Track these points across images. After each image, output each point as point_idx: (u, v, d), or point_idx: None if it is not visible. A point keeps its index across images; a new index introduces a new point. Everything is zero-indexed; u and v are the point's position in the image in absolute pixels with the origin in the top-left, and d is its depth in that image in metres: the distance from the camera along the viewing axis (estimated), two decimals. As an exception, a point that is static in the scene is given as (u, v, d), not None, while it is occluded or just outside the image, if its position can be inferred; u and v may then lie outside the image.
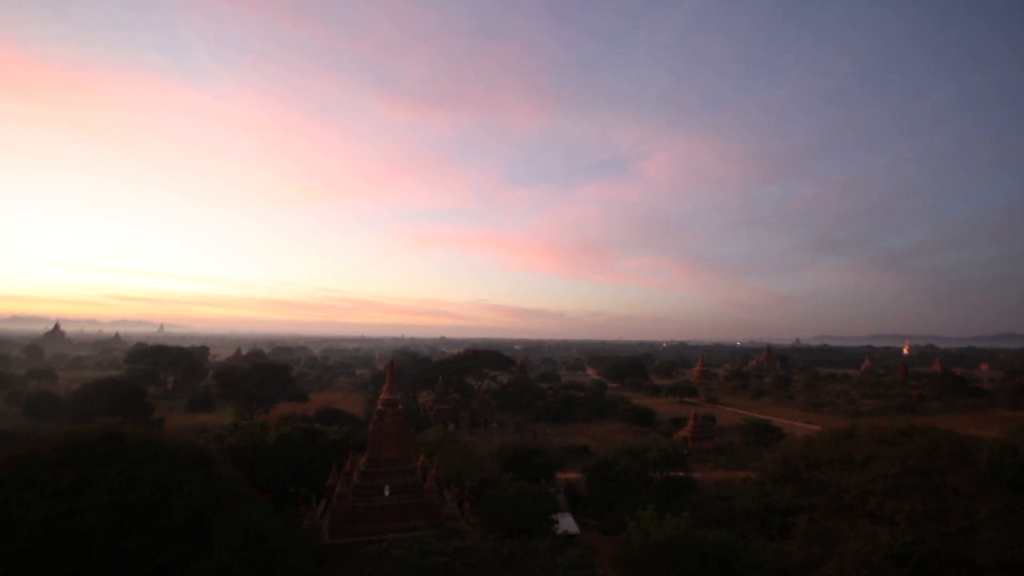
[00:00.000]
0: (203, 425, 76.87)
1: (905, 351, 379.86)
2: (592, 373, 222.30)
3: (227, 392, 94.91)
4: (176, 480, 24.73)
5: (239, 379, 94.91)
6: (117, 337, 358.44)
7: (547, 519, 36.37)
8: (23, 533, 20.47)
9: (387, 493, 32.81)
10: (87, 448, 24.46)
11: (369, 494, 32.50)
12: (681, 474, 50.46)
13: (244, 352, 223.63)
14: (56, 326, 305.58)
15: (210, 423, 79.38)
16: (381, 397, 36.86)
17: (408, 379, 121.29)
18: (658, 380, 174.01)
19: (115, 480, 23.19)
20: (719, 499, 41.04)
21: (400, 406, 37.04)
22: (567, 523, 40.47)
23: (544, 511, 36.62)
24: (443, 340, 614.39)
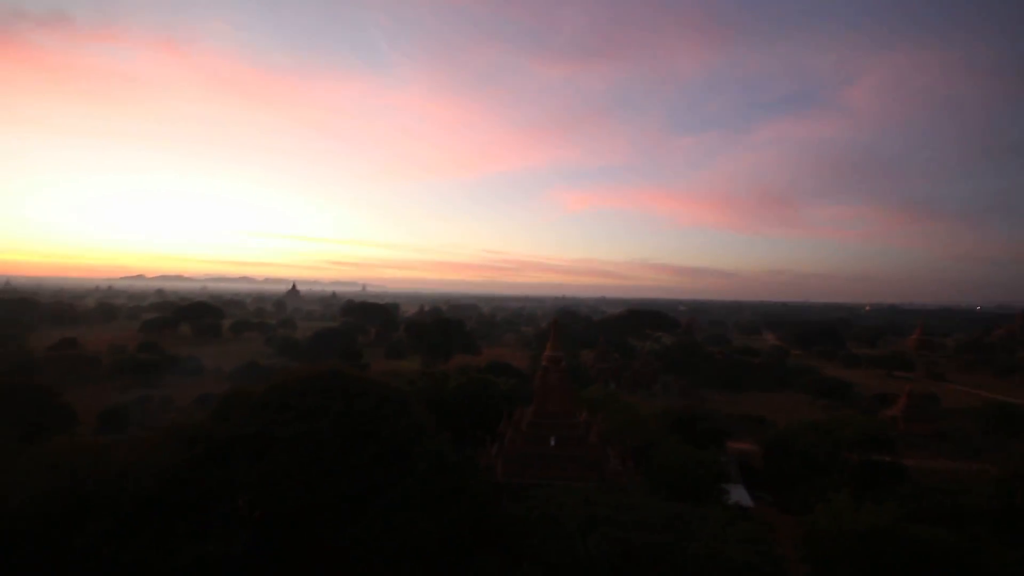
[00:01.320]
0: (398, 370, 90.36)
1: None
2: (770, 338, 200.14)
3: (415, 343, 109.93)
4: (383, 414, 29.67)
5: (424, 332, 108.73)
6: (334, 296, 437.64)
7: (717, 487, 34.70)
8: (279, 445, 26.86)
9: (553, 443, 34.73)
10: (320, 382, 30.67)
11: (536, 443, 34.81)
12: (887, 459, 43.18)
13: (426, 309, 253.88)
14: (293, 286, 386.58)
15: (403, 369, 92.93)
16: (546, 354, 38.57)
17: (570, 338, 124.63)
18: (858, 349, 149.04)
19: (340, 409, 28.77)
20: (940, 492, 34.18)
21: (564, 363, 38.34)
22: (739, 494, 38.09)
23: (714, 478, 34.95)
24: (603, 300, 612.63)
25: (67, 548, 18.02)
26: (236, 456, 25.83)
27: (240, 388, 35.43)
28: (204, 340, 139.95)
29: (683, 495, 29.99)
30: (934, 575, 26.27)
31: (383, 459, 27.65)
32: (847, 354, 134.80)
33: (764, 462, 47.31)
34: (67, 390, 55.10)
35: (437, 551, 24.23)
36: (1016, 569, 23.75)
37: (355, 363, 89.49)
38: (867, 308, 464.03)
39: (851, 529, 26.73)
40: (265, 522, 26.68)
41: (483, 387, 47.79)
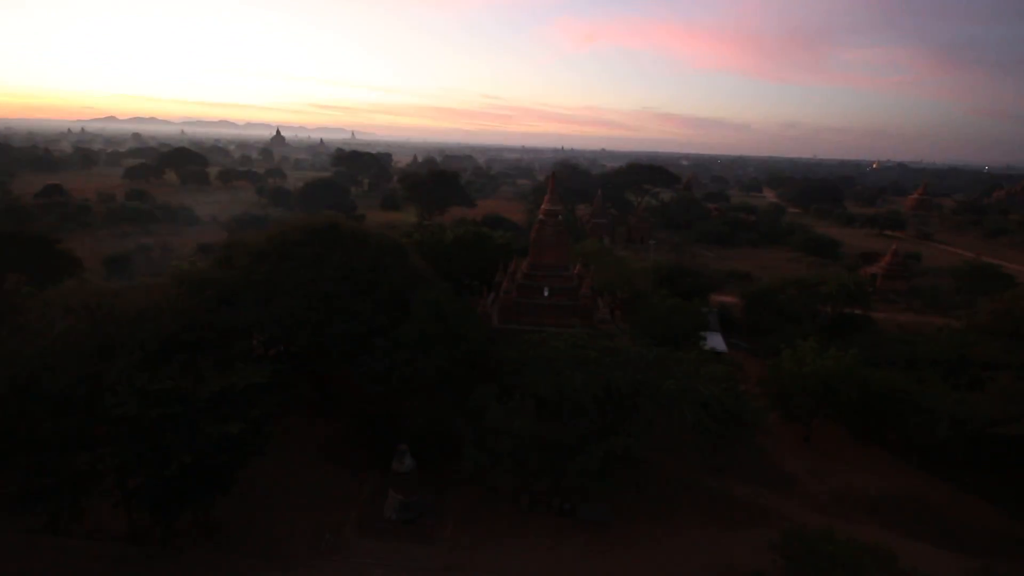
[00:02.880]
0: (393, 222, 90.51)
1: None
2: (770, 195, 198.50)
3: (410, 195, 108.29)
4: (382, 264, 30.50)
5: (419, 184, 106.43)
6: (321, 143, 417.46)
7: (696, 335, 37.54)
8: (286, 291, 28.03)
9: (546, 294, 36.48)
10: (318, 234, 30.89)
11: (530, 292, 36.52)
12: (857, 312, 46.11)
13: (420, 160, 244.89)
14: (277, 132, 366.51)
15: (398, 221, 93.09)
16: (543, 207, 38.32)
17: (567, 191, 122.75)
18: (856, 208, 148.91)
19: (340, 259, 29.47)
20: (900, 342, 37.29)
21: (560, 217, 38.34)
22: (715, 341, 41.39)
23: (694, 327, 37.64)
24: (604, 152, 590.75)
25: (100, 379, 19.85)
26: (245, 301, 27.10)
27: (239, 238, 35.72)
28: (192, 188, 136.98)
29: (665, 342, 32.61)
30: (880, 409, 29.94)
31: (384, 306, 29.17)
32: (842, 212, 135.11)
33: (744, 314, 50.48)
34: (65, 237, 55.43)
35: (437, 384, 26.98)
36: (955, 408, 26.97)
37: (350, 215, 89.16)
38: (874, 165, 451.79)
39: (810, 371, 29.69)
40: (279, 358, 29.13)
41: (479, 239, 48.48)
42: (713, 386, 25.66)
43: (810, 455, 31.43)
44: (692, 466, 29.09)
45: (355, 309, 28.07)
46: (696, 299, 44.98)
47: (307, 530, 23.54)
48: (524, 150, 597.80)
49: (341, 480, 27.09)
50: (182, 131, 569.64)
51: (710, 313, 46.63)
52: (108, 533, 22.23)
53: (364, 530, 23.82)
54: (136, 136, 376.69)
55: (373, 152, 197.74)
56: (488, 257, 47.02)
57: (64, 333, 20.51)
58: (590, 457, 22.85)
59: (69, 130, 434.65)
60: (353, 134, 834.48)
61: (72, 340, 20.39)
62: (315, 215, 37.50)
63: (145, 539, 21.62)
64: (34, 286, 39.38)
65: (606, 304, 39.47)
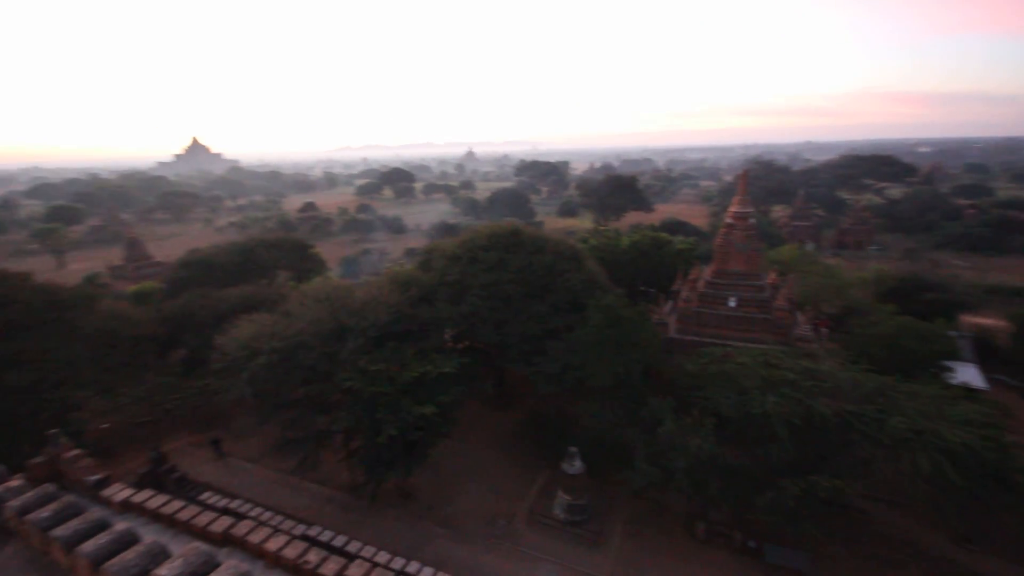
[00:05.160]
0: (570, 228, 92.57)
1: None
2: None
3: (586, 201, 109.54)
4: (559, 269, 31.39)
5: (594, 190, 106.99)
6: (506, 156, 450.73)
7: (938, 364, 29.92)
8: (472, 292, 30.78)
9: (732, 304, 33.10)
10: (501, 239, 33.26)
11: (713, 302, 33.55)
12: None
13: (597, 166, 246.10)
14: (469, 150, 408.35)
15: (574, 227, 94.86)
16: (731, 210, 34.96)
17: (760, 191, 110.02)
18: None
19: (520, 263, 31.23)
20: None
21: (751, 220, 34.49)
22: (969, 374, 32.43)
23: (935, 354, 30.05)
24: (808, 145, 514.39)
25: (335, 356, 24.50)
26: (441, 299, 30.59)
27: (436, 244, 40.55)
28: (403, 202, 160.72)
29: (890, 370, 26.61)
30: None
31: (559, 309, 29.94)
32: None
33: (1012, 340, 38.63)
34: (316, 243, 70.09)
35: (609, 390, 26.57)
36: None
37: (529, 221, 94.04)
38: None
39: None
40: (465, 352, 32.09)
41: (656, 245, 46.42)
42: (963, 431, 20.04)
43: None
44: (928, 529, 23.27)
45: (532, 310, 29.43)
46: (940, 320, 35.81)
47: (483, 513, 25.44)
48: (709, 149, 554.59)
49: (513, 472, 28.61)
50: (397, 154, 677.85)
51: (961, 338, 36.76)
52: (334, 482, 27.31)
53: (533, 524, 24.74)
54: (365, 160, 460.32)
55: (551, 161, 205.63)
56: (665, 263, 44.75)
57: (313, 318, 25.83)
58: (784, 493, 19.92)
59: (318, 160, 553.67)
60: (535, 146, 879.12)
61: (318, 324, 25.55)
62: (498, 222, 40.48)
63: (360, 493, 25.93)
64: (295, 280, 50.57)
65: (807, 319, 34.13)
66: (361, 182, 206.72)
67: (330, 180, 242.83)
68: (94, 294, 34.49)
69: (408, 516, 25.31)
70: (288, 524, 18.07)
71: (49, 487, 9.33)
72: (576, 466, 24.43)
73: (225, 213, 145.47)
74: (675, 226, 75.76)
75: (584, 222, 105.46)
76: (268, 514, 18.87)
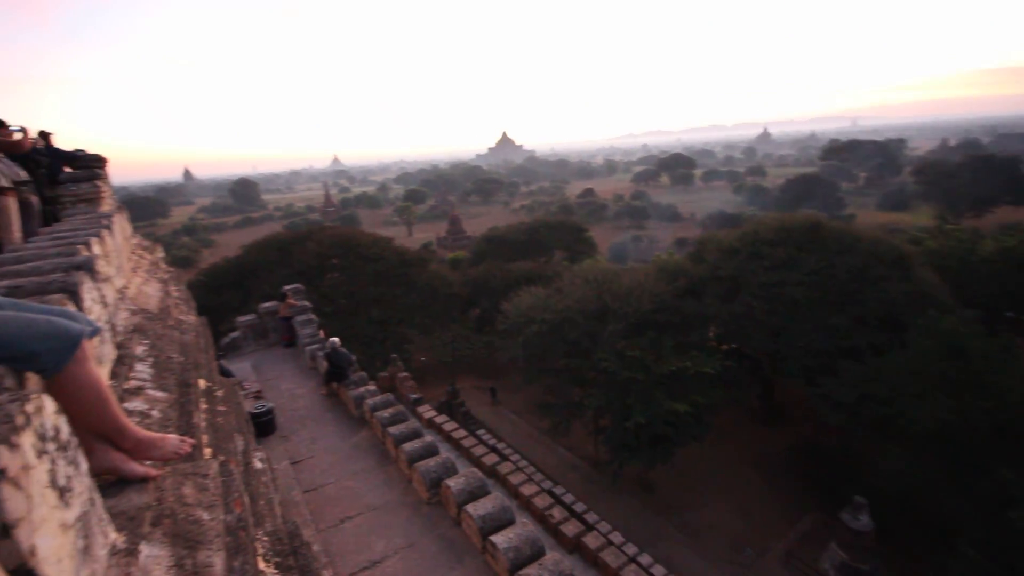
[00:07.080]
0: (895, 224, 72.59)
1: None
2: None
3: (927, 190, 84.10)
4: (872, 275, 25.20)
5: (943, 175, 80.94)
6: (812, 135, 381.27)
7: None
8: (748, 291, 27.48)
9: None
10: (793, 234, 28.59)
11: None
12: None
13: (952, 143, 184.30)
14: (764, 130, 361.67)
15: (903, 223, 73.88)
16: None
17: None
18: None
19: (816, 264, 26.31)
20: None
21: None
22: None
23: None
24: None
25: (596, 336, 25.72)
26: (709, 294, 28.53)
27: (710, 234, 37.70)
28: (679, 189, 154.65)
29: None
30: None
31: (865, 324, 24.11)
32: None
33: None
34: (590, 227, 74.30)
35: (932, 440, 20.16)
36: None
37: (835, 214, 77.95)
38: None
39: None
40: (730, 355, 29.23)
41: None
42: None
43: None
44: None
45: (826, 321, 24.55)
46: None
47: (727, 533, 23.12)
48: None
49: (771, 501, 24.96)
50: (679, 139, 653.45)
51: None
52: (580, 452, 29.07)
53: (790, 569, 21.19)
54: (644, 147, 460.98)
55: (879, 139, 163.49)
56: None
57: (580, 297, 27.62)
58: None
59: (604, 147, 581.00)
60: (855, 121, 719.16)
61: (584, 303, 27.20)
62: (791, 214, 34.80)
63: (602, 470, 26.93)
64: (568, 260, 55.02)
65: None
66: (638, 169, 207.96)
67: (609, 167, 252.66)
68: (427, 258, 45.16)
69: (644, 508, 25.03)
70: (538, 476, 20.22)
71: (389, 396, 12.70)
72: (862, 521, 19.58)
73: (520, 197, 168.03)
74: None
75: (919, 218, 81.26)
76: (524, 462, 21.52)
